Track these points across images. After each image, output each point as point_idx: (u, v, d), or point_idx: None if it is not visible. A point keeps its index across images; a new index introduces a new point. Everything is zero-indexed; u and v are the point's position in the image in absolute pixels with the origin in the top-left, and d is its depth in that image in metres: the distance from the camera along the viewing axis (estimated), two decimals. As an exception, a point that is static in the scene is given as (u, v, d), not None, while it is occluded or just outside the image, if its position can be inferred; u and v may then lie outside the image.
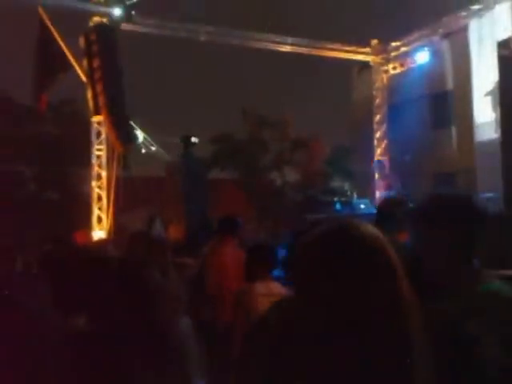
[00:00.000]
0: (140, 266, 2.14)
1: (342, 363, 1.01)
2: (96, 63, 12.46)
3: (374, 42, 16.62)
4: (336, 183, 21.56)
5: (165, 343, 1.91)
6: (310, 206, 17.73)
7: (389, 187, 14.10)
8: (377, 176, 15.66)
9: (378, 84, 17.07)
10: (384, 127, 16.99)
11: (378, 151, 16.94)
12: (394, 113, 16.96)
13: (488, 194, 11.02)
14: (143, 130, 16.47)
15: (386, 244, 1.10)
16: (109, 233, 12.87)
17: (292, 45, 15.48)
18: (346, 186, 20.61)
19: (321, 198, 19.35)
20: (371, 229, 1.12)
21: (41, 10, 13.14)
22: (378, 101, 17.09)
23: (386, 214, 3.25)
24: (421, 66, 16.02)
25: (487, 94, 13.47)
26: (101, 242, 12.07)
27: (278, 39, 15.38)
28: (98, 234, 13.03)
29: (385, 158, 16.83)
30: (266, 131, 21.88)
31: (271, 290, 3.81)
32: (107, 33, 12.91)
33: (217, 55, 19.98)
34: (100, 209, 13.32)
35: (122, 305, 1.91)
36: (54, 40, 12.93)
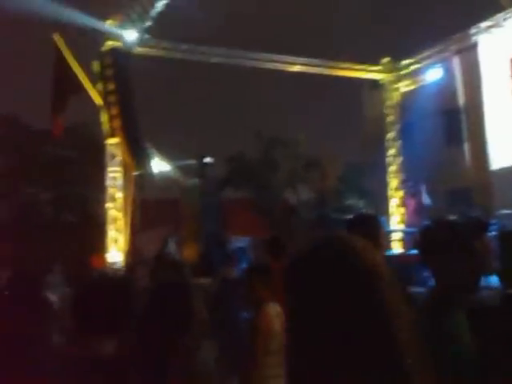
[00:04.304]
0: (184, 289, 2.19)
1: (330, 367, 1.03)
2: (111, 87, 12.66)
3: (385, 60, 16.69)
4: (350, 201, 21.50)
5: (190, 365, 1.93)
6: (324, 225, 17.68)
7: (418, 207, 13.98)
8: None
9: (389, 102, 17.09)
10: (399, 144, 16.94)
11: (394, 168, 16.86)
12: (407, 130, 16.94)
13: (505, 211, 10.96)
14: (158, 151, 16.62)
15: (373, 254, 1.12)
16: (125, 254, 12.92)
17: (302, 65, 15.60)
18: (361, 203, 20.55)
19: (334, 217, 19.29)
20: (357, 240, 1.14)
21: (55, 36, 13.39)
22: (390, 118, 17.08)
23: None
24: (433, 84, 16.03)
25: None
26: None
27: (288, 59, 15.51)
28: (115, 255, 13.08)
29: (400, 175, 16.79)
30: (279, 150, 21.96)
31: (278, 310, 3.83)
32: (122, 57, 13.12)
33: (228, 76, 20.20)
34: (117, 230, 13.39)
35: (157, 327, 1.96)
36: (67, 64, 13.15)
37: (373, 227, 3.37)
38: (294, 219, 20.78)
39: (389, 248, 14.32)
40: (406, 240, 14.40)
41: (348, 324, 1.02)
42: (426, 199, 13.70)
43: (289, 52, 15.73)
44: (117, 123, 12.62)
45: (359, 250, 1.10)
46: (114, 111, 12.57)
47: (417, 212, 13.89)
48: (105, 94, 12.76)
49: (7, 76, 18.89)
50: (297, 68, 15.64)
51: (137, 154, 12.86)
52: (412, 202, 14.34)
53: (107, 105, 12.71)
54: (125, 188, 13.34)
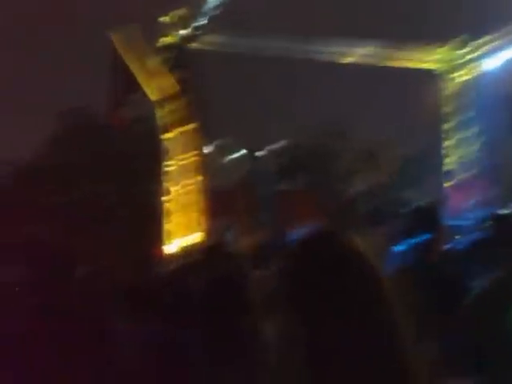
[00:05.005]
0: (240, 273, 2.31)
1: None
2: (176, 79, 13.09)
3: (442, 49, 16.27)
4: (407, 193, 21.12)
5: (256, 346, 2.04)
6: (381, 217, 17.44)
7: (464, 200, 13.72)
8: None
9: (447, 91, 16.68)
10: (457, 135, 16.52)
11: (451, 159, 16.46)
12: (468, 119, 16.48)
13: None
14: (223, 141, 16.82)
15: (362, 249, 1.17)
16: (190, 243, 13.22)
17: (359, 55, 15.45)
18: (418, 195, 20.14)
19: (391, 209, 18.97)
20: (344, 233, 1.21)
21: (113, 35, 13.82)
22: (449, 108, 16.67)
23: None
24: (492, 72, 15.57)
25: None
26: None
27: (344, 50, 15.40)
28: (174, 246, 13.42)
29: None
30: (336, 142, 21.87)
31: None
32: (183, 51, 13.47)
33: (286, 67, 20.19)
34: (174, 223, 13.70)
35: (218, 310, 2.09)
36: (125, 63, 13.57)
37: (433, 219, 3.38)
38: (352, 211, 20.63)
39: (448, 240, 14.02)
40: (462, 232, 14.06)
41: (337, 308, 1.09)
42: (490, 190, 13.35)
43: (344, 41, 15.59)
44: (184, 114, 13.03)
45: (345, 242, 1.17)
46: (180, 102, 12.98)
47: (462, 204, 13.61)
48: (169, 87, 13.18)
49: (70, 72, 19.55)
50: (354, 58, 15.51)
51: (203, 143, 13.19)
52: (459, 195, 14.04)
53: (172, 96, 13.13)
54: (192, 177, 13.60)
